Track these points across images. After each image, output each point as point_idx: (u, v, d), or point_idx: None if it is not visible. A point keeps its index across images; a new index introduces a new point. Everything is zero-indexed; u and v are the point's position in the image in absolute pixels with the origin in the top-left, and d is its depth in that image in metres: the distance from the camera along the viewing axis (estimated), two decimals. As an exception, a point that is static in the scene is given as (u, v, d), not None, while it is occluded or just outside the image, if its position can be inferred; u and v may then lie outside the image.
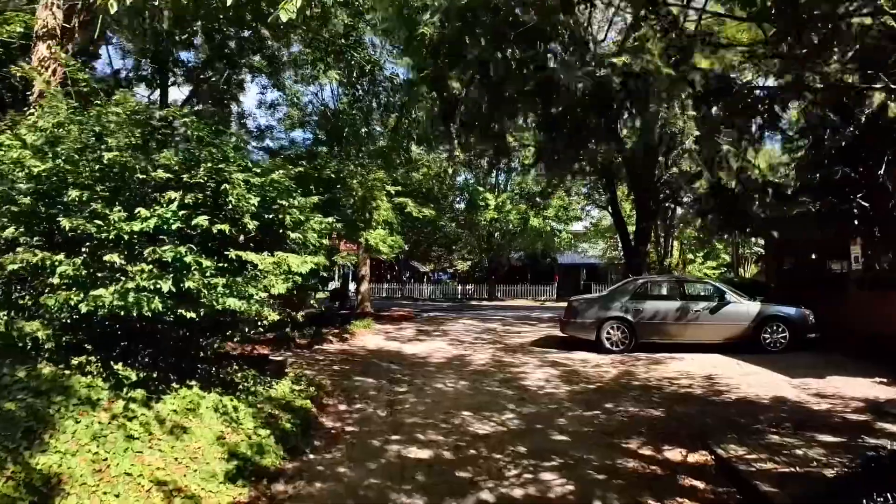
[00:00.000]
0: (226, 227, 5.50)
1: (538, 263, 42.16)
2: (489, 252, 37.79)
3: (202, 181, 5.75)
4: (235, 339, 8.74)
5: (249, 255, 5.80)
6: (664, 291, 12.41)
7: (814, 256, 14.85)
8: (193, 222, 5.41)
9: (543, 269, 42.40)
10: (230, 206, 5.85)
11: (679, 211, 25.52)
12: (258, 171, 6.60)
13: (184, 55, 16.22)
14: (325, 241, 8.03)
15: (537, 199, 26.05)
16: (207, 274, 5.45)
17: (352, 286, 21.79)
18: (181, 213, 5.47)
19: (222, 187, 5.74)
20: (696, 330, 11.67)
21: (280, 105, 19.09)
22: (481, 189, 34.75)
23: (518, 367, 10.44)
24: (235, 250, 5.73)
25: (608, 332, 11.88)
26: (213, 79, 15.69)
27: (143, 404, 5.06)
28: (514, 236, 36.17)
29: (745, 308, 11.65)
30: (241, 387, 7.09)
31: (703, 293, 12.11)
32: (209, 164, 5.85)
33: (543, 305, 33.00)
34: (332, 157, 14.63)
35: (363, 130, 14.92)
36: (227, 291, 5.56)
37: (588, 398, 8.09)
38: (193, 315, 5.39)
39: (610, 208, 19.54)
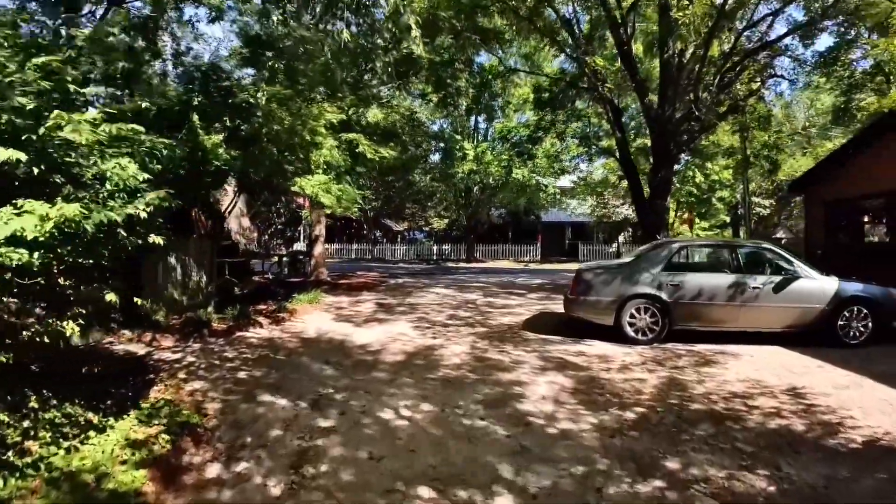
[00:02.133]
0: None
1: (521, 221, 38.94)
2: (467, 209, 34.30)
3: None
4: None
5: None
6: (709, 260, 9.20)
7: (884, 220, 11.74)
8: None
9: (526, 227, 39.21)
10: None
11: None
12: None
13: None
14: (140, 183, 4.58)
15: (525, 144, 22.56)
16: None
17: (298, 246, 18.18)
18: None
19: None
20: (753, 314, 8.49)
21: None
22: (458, 137, 31.02)
23: (510, 371, 7.15)
24: None
25: (633, 316, 8.67)
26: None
27: None
28: (495, 190, 32.68)
29: (818, 286, 8.48)
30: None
31: (763, 264, 8.87)
32: None
33: (527, 268, 29.85)
34: (259, 80, 10.96)
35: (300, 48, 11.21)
36: None
37: (632, 445, 4.85)
38: None
39: (617, 151, 16.14)
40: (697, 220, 34.51)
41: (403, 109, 20.85)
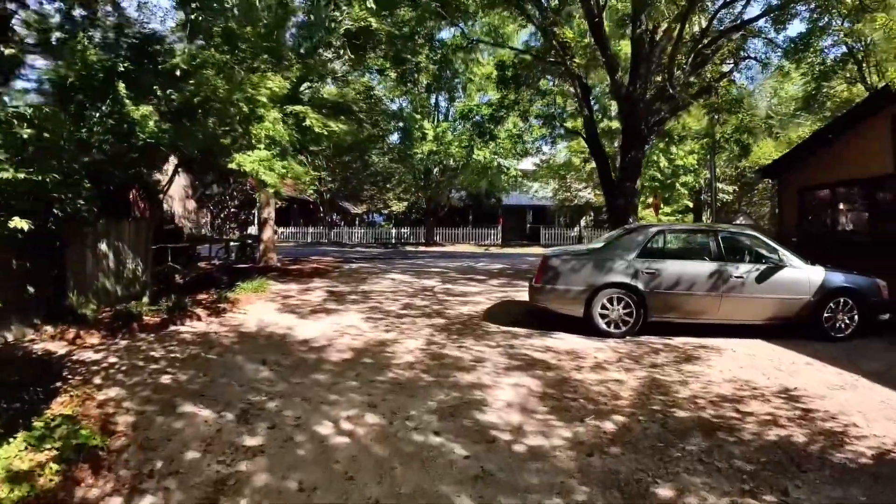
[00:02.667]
0: None
1: (482, 204, 38.17)
2: (427, 191, 33.31)
3: None
4: None
5: None
6: (688, 246, 8.54)
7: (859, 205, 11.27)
8: None
9: (487, 210, 38.48)
10: None
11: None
12: None
13: None
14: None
15: (487, 124, 21.64)
16: None
17: (253, 230, 17.00)
18: None
19: None
20: (735, 305, 7.84)
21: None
22: (418, 116, 29.90)
23: (470, 371, 6.31)
24: None
25: (605, 307, 7.95)
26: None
27: None
28: (456, 172, 31.73)
29: (804, 275, 7.89)
30: None
31: (745, 252, 8.23)
32: None
33: (488, 252, 29.14)
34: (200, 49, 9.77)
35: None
36: None
37: (614, 466, 4.08)
38: None
39: (584, 131, 15.39)
40: (662, 206, 34.37)
41: (359, 85, 19.67)
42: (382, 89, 29.45)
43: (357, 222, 42.86)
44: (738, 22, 13.90)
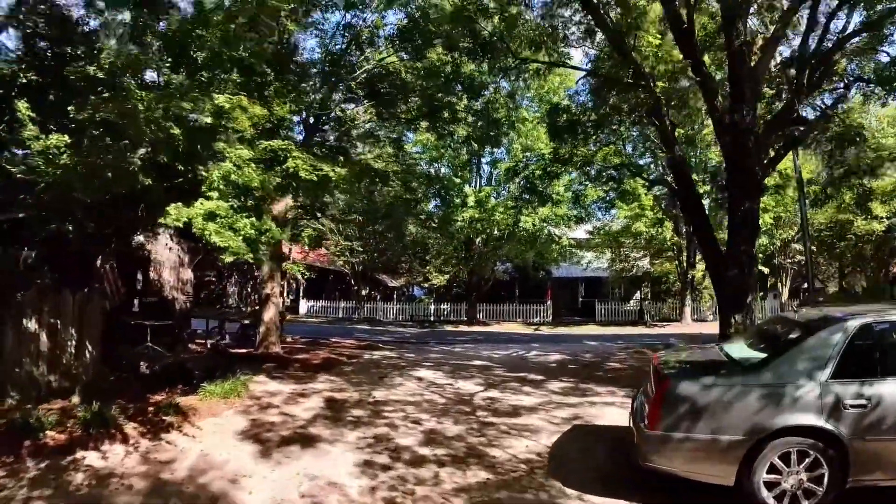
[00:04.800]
0: None
1: (528, 277, 34.52)
2: (469, 263, 29.97)
3: None
4: None
5: None
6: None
7: None
8: None
9: (535, 284, 34.75)
10: None
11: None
12: None
13: None
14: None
15: (537, 181, 18.49)
16: None
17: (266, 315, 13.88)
18: None
19: None
20: None
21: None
22: (457, 180, 27.01)
23: None
24: None
25: (775, 469, 4.37)
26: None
27: None
28: (500, 242, 28.39)
29: None
30: None
31: None
32: None
33: (538, 332, 25.43)
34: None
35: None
36: None
37: None
38: None
39: (672, 178, 12.00)
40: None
41: (386, 139, 16.95)
42: (418, 151, 26.93)
43: (395, 296, 39.73)
44: (854, 31, 10.57)
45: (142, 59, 6.09)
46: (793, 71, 10.57)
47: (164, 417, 7.47)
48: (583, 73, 14.25)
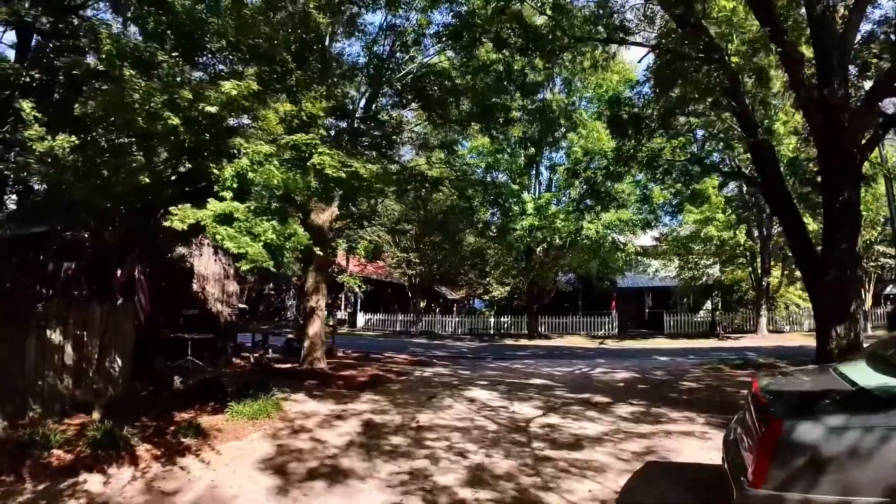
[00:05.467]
0: None
1: (592, 288, 32.91)
2: (529, 273, 28.68)
3: None
4: None
5: None
6: None
7: None
8: None
9: (598, 294, 33.07)
10: None
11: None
12: None
13: None
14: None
15: (599, 182, 17.10)
16: None
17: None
18: None
19: None
20: None
21: None
22: (515, 187, 25.83)
23: None
24: None
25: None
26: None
27: None
28: (562, 251, 27.02)
29: None
30: None
31: None
32: None
33: (603, 346, 23.94)
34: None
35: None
36: None
37: None
38: None
39: (754, 164, 10.57)
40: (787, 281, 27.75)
41: (437, 147, 16.15)
42: (473, 158, 26.00)
43: (455, 309, 38.82)
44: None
45: (142, 48, 5.40)
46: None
47: (182, 439, 6.90)
48: (645, 52, 12.82)
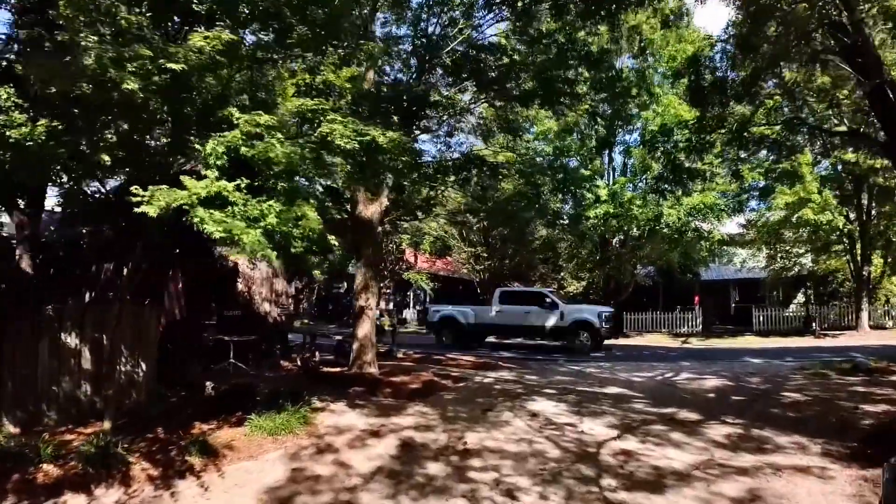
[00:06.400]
0: None
1: (673, 281, 30.48)
2: (605, 267, 26.75)
3: None
4: None
5: None
6: None
7: None
8: None
9: (680, 287, 30.62)
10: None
11: None
12: None
13: None
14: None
15: (680, 156, 15.05)
16: None
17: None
18: None
19: None
20: None
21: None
22: (586, 172, 23.97)
23: None
24: None
25: None
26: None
27: None
28: (640, 242, 24.98)
29: None
30: None
31: None
32: None
33: (687, 345, 21.85)
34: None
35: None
36: None
37: None
38: None
39: (876, 116, 8.62)
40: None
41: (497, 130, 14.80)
42: (541, 144, 24.42)
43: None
44: None
45: (102, 7, 4.38)
46: None
47: (187, 457, 6.03)
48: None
